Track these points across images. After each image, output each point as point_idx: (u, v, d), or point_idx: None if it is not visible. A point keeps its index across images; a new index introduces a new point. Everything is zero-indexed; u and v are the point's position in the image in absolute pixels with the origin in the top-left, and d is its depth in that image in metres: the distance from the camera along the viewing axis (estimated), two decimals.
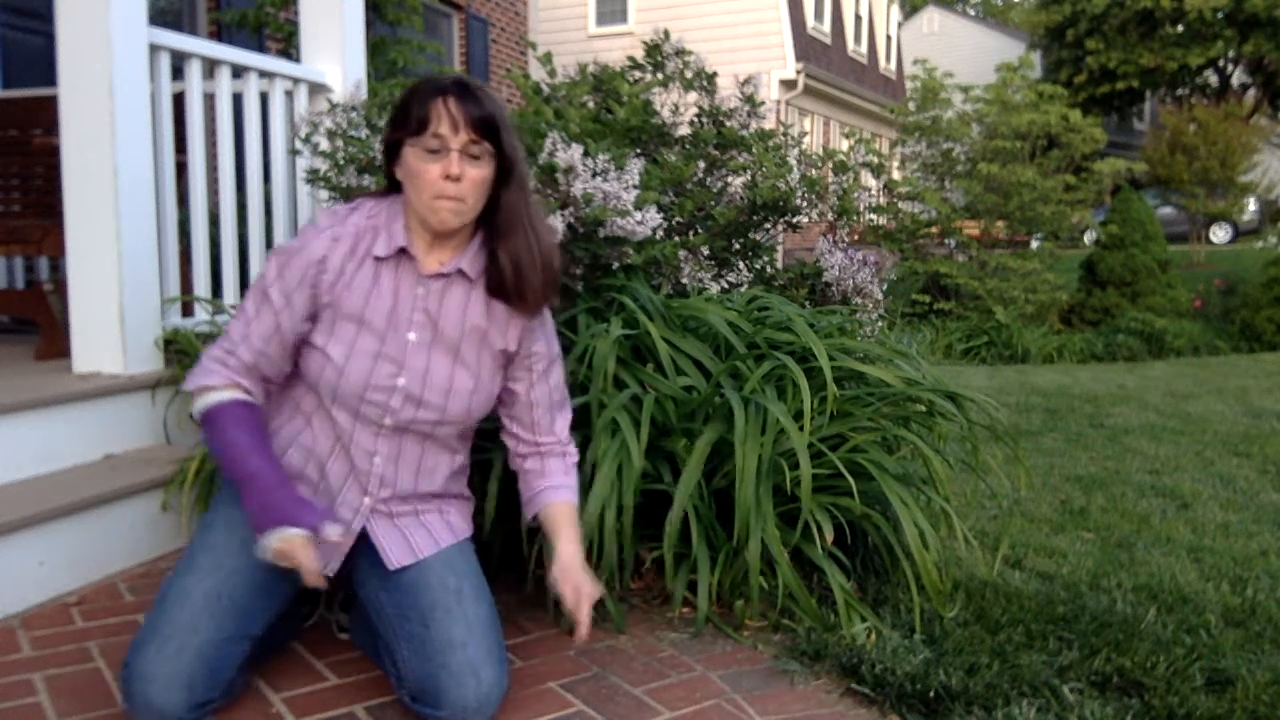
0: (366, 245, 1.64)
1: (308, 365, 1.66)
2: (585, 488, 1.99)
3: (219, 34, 6.70)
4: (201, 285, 2.87)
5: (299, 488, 1.67)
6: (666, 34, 2.90)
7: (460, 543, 1.76)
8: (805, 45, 16.35)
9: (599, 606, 2.05)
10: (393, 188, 1.68)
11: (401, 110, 1.59)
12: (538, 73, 4.74)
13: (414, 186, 1.58)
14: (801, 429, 2.02)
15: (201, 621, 1.56)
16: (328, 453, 1.68)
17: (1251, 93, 24.46)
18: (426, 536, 1.72)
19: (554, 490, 1.78)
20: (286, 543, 1.51)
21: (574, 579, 1.67)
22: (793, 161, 2.85)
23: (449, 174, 1.55)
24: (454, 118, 1.55)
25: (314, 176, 2.66)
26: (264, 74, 3.05)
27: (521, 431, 1.80)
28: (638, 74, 2.91)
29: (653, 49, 2.88)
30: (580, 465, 1.97)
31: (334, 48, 3.26)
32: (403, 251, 1.64)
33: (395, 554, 1.68)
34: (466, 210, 1.59)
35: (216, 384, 1.62)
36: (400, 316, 1.64)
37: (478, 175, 1.58)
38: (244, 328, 1.63)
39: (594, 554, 1.99)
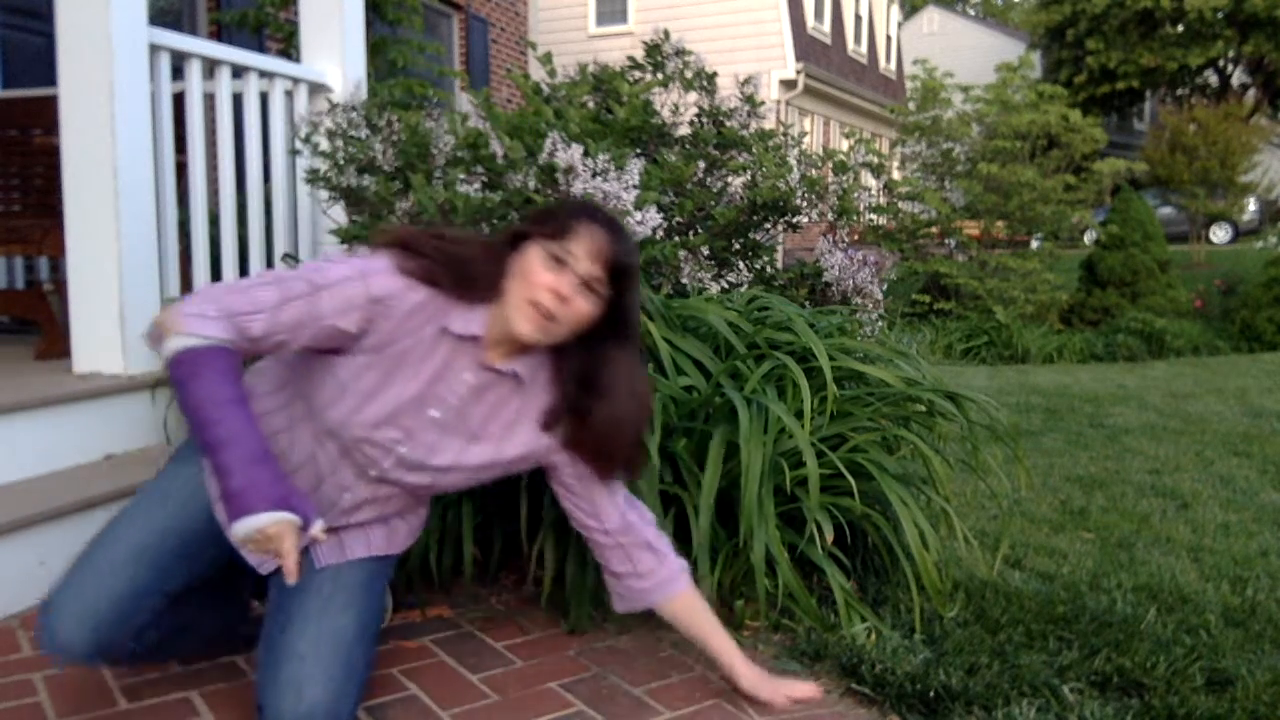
0: (435, 311, 1.53)
1: (318, 387, 1.57)
2: None
3: (219, 34, 6.70)
4: (202, 285, 2.87)
5: None
6: (666, 34, 2.90)
7: (385, 557, 1.71)
8: (805, 45, 16.35)
9: (599, 607, 2.06)
10: (467, 282, 1.55)
11: (548, 211, 1.56)
12: (538, 73, 4.73)
13: (519, 283, 1.50)
14: (802, 429, 2.02)
15: (120, 568, 1.52)
16: (298, 465, 1.61)
17: (1251, 93, 24.44)
18: (362, 542, 1.67)
19: (670, 582, 1.74)
20: (280, 526, 1.37)
21: (771, 688, 1.72)
22: (793, 161, 2.86)
23: (559, 291, 1.48)
24: (595, 246, 1.49)
25: (314, 176, 2.67)
26: (264, 74, 3.05)
27: (593, 523, 1.74)
28: (638, 74, 2.91)
29: (653, 49, 2.88)
30: None
31: (334, 48, 3.26)
32: (475, 339, 1.56)
33: (325, 553, 1.63)
34: (553, 333, 1.52)
35: (217, 334, 1.43)
36: (434, 393, 1.56)
37: (584, 309, 1.51)
38: (277, 299, 1.47)
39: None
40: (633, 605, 1.78)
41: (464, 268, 1.53)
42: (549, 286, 1.48)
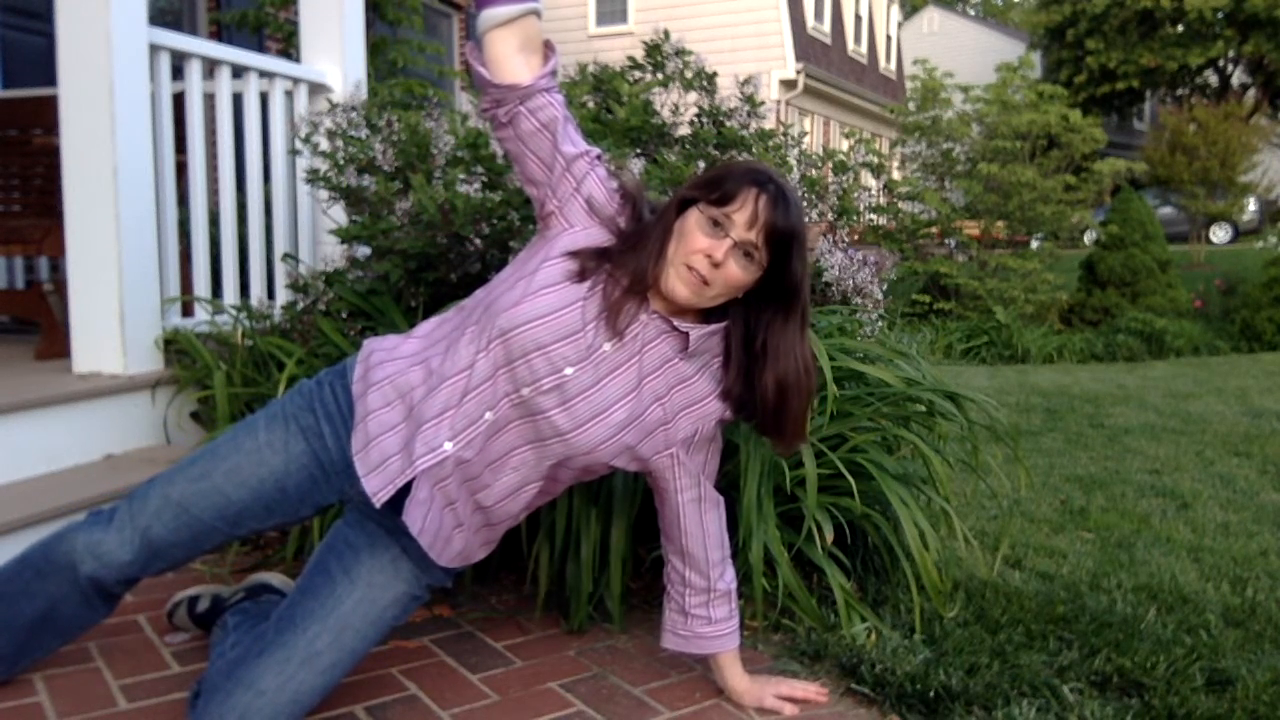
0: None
1: (500, 296, 1.54)
2: (595, 497, 1.99)
3: (219, 34, 6.71)
4: (201, 285, 2.88)
5: (393, 408, 1.57)
6: (666, 34, 2.89)
7: (420, 590, 1.64)
8: (805, 45, 16.35)
9: (599, 607, 2.06)
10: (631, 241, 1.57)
11: (714, 177, 1.53)
12: None
13: (676, 244, 1.51)
14: None
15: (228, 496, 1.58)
16: (446, 376, 1.54)
17: (1251, 93, 24.44)
18: (441, 543, 1.59)
19: (728, 637, 1.75)
20: (528, 12, 1.63)
21: (756, 695, 1.73)
22: (793, 161, 2.85)
23: (713, 255, 1.48)
24: (755, 214, 1.48)
25: (314, 176, 2.66)
26: (264, 74, 3.05)
27: (696, 577, 1.74)
28: (638, 74, 2.91)
29: (653, 49, 2.87)
30: None
31: (334, 48, 3.26)
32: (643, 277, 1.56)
33: (415, 516, 1.54)
34: (704, 296, 1.51)
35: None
36: (610, 324, 1.54)
37: (736, 275, 1.50)
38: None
39: (597, 556, 1.99)
40: (692, 647, 1.76)
41: (639, 273, 1.53)
42: (704, 250, 1.48)
